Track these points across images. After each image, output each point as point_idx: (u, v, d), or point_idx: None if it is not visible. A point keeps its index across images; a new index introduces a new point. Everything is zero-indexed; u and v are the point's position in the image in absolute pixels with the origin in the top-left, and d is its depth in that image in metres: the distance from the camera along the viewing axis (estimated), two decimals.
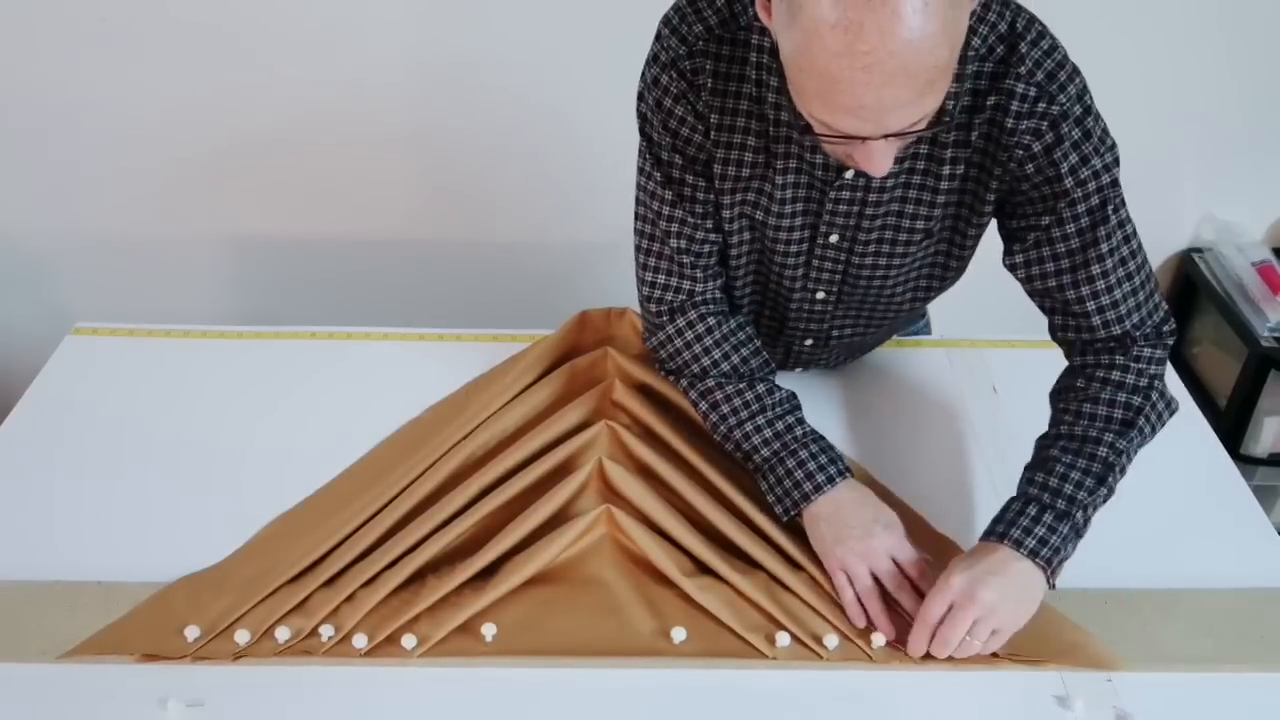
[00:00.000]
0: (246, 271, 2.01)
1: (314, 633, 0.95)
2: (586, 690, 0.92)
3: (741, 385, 1.06)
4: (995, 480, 1.13)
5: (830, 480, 1.00)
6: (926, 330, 1.38)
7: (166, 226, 1.93)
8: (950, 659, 0.93)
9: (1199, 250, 2.03)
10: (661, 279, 1.08)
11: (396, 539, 1.01)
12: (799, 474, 1.01)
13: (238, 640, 0.94)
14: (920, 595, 0.95)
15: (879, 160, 0.83)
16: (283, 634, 0.94)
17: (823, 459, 1.02)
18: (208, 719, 0.88)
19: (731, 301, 1.14)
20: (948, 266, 1.08)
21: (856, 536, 0.97)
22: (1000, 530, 0.94)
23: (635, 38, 0.99)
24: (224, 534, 1.05)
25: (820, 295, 1.10)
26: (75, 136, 1.82)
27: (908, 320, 1.19)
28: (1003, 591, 0.91)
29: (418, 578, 0.99)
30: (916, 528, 1.07)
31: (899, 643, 0.94)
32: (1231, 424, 1.91)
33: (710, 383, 1.07)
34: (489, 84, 1.79)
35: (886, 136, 0.80)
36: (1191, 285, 2.02)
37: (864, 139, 0.80)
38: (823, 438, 1.04)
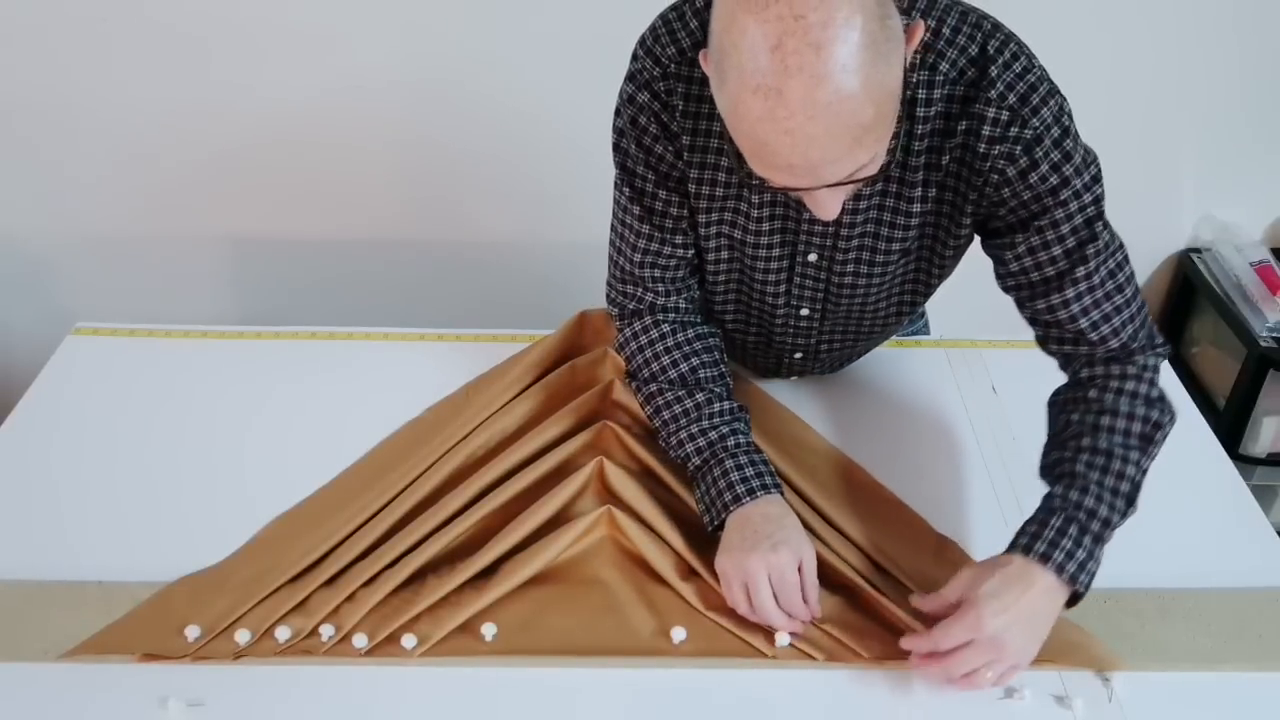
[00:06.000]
0: (246, 271, 2.01)
1: (314, 632, 0.95)
2: (586, 690, 0.92)
3: (682, 393, 1.05)
4: (995, 481, 1.14)
5: (751, 493, 0.98)
6: (926, 330, 1.38)
7: (166, 226, 1.94)
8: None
9: (1197, 250, 2.03)
10: (628, 288, 1.08)
11: (397, 539, 1.02)
12: (723, 483, 1.00)
13: (238, 640, 0.94)
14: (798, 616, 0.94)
15: (826, 206, 0.84)
16: (283, 634, 0.94)
17: (749, 471, 1.00)
18: (208, 719, 0.88)
19: (711, 316, 1.14)
20: (929, 282, 1.09)
21: (742, 549, 0.95)
22: (1042, 549, 0.89)
23: (626, 42, 0.99)
24: (224, 534, 1.05)
25: (805, 312, 1.10)
26: (75, 138, 1.82)
27: (897, 328, 1.19)
28: (1028, 636, 0.88)
29: (418, 577, 0.99)
30: (916, 529, 1.07)
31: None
32: (1230, 424, 1.91)
33: (654, 388, 1.07)
34: (487, 86, 1.79)
35: (828, 186, 0.80)
36: (1190, 285, 2.02)
37: (805, 189, 0.82)
38: (759, 452, 1.03)
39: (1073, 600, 0.91)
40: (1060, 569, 0.89)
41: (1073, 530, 0.90)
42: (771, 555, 0.94)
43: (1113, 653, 0.94)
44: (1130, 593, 1.00)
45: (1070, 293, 0.95)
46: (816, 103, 0.72)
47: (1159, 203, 1.98)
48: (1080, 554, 0.90)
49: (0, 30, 1.71)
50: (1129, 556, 0.98)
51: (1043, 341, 1.03)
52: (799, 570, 0.95)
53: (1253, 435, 1.92)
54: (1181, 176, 1.95)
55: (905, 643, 0.91)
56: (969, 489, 1.13)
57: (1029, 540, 0.91)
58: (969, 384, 1.28)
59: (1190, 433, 1.22)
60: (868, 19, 0.72)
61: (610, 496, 1.06)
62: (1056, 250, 0.94)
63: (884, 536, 1.05)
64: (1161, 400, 0.98)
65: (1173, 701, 0.91)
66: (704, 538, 1.02)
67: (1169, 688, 0.92)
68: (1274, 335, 1.85)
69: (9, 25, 1.70)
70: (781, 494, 1.00)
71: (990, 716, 0.90)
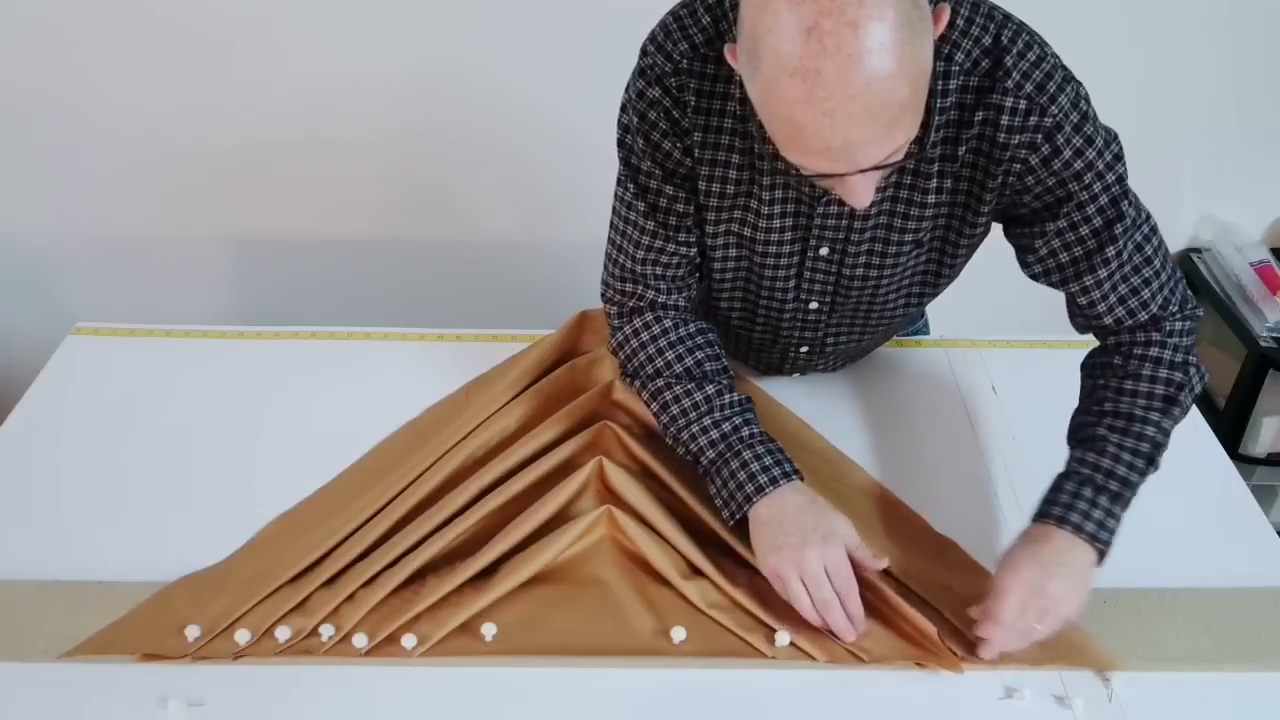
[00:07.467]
0: (246, 271, 2.01)
1: (314, 632, 0.95)
2: (586, 690, 0.92)
3: (691, 386, 1.04)
4: (995, 481, 1.14)
5: (774, 482, 0.97)
6: (925, 330, 1.38)
7: (166, 226, 1.94)
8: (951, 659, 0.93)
9: (1198, 250, 2.03)
10: (628, 286, 1.08)
11: (397, 539, 1.02)
12: (742, 475, 0.98)
13: (238, 640, 0.94)
14: (847, 610, 0.93)
15: (860, 193, 0.84)
16: (283, 634, 0.94)
17: (768, 460, 0.99)
18: (208, 719, 0.89)
19: (716, 311, 1.14)
20: (939, 274, 1.08)
21: (793, 545, 0.94)
22: (1057, 514, 0.94)
23: (628, 40, 0.99)
24: (224, 534, 1.05)
25: (813, 306, 1.10)
26: (75, 138, 1.82)
27: (904, 323, 1.19)
28: (1068, 582, 0.91)
29: (418, 577, 0.99)
30: (916, 529, 1.07)
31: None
32: (1230, 424, 1.92)
33: (661, 383, 1.06)
34: (487, 86, 1.79)
35: (862, 171, 0.81)
36: (1190, 285, 2.01)
37: (840, 175, 0.82)
38: (772, 441, 1.02)
39: (1100, 558, 0.94)
40: (1078, 529, 0.93)
41: (1087, 492, 0.94)
42: (826, 548, 0.94)
43: (1113, 653, 0.94)
44: (1130, 593, 1.00)
45: (1103, 273, 0.97)
46: (855, 81, 0.73)
47: (1159, 203, 1.94)
48: (1097, 513, 0.93)
49: (0, 31, 1.71)
50: (1128, 556, 0.98)
51: (1074, 318, 1.04)
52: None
53: (1253, 435, 1.92)
54: (1181, 177, 1.95)
55: (980, 631, 0.91)
56: (968, 489, 1.13)
57: (1045, 507, 0.95)
58: (969, 384, 1.28)
59: (1190, 433, 1.22)
60: None
61: (610, 496, 1.06)
62: (1084, 230, 0.96)
63: (884, 537, 1.05)
64: (1186, 364, 1.00)
65: (1173, 701, 0.91)
66: (705, 537, 1.02)
67: (1169, 688, 0.92)
68: (1274, 335, 1.85)
69: (8, 26, 1.70)
70: (802, 479, 1.00)
71: (990, 716, 0.90)
